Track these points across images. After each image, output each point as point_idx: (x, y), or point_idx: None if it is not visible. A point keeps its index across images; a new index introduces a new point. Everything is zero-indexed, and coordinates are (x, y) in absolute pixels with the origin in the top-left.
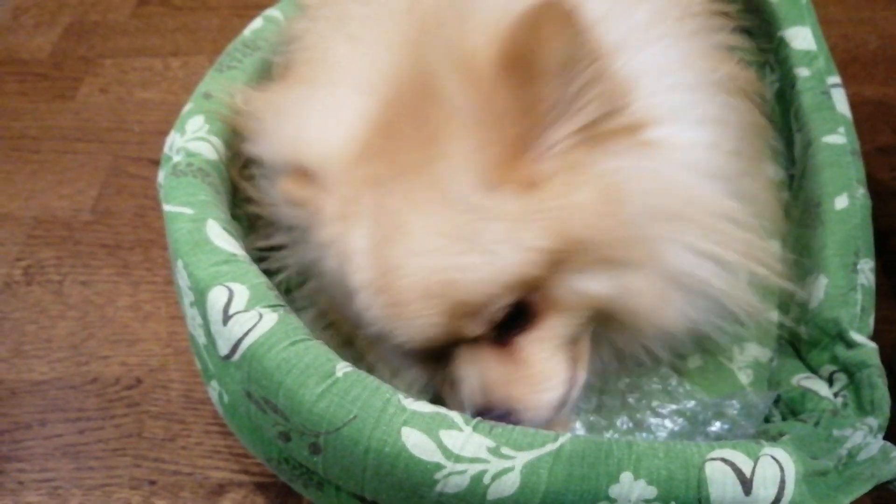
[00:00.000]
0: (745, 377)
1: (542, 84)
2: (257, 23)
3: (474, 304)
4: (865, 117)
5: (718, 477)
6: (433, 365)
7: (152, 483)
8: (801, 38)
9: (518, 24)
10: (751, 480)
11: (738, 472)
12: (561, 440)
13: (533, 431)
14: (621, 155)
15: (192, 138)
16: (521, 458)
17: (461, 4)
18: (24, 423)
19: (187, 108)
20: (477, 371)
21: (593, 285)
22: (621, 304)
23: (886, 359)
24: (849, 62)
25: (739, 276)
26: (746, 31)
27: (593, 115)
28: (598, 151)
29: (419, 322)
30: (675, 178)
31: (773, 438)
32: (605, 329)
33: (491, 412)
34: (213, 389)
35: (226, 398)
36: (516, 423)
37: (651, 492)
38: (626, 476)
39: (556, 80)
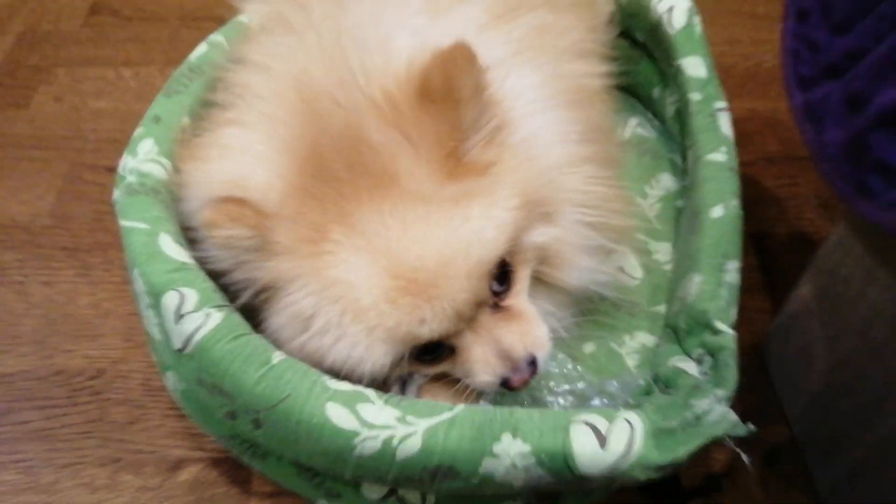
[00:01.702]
0: (631, 361)
1: (464, 108)
2: (202, 48)
3: (489, 261)
4: (757, 130)
5: (580, 434)
6: (426, 366)
7: (118, 461)
8: (695, 66)
9: (435, 63)
10: (606, 436)
11: (596, 431)
12: (455, 410)
13: (432, 403)
14: (523, 128)
15: (144, 160)
16: (423, 425)
17: (353, 65)
18: None
19: (138, 131)
20: (490, 345)
21: (538, 237)
22: (552, 253)
23: (757, 342)
24: (747, 79)
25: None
26: (652, 58)
27: (494, 123)
28: (508, 134)
29: (450, 308)
30: (554, 133)
31: (637, 406)
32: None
33: (518, 370)
34: (169, 379)
35: (181, 386)
36: (534, 369)
37: (526, 448)
38: (506, 436)
39: (472, 103)
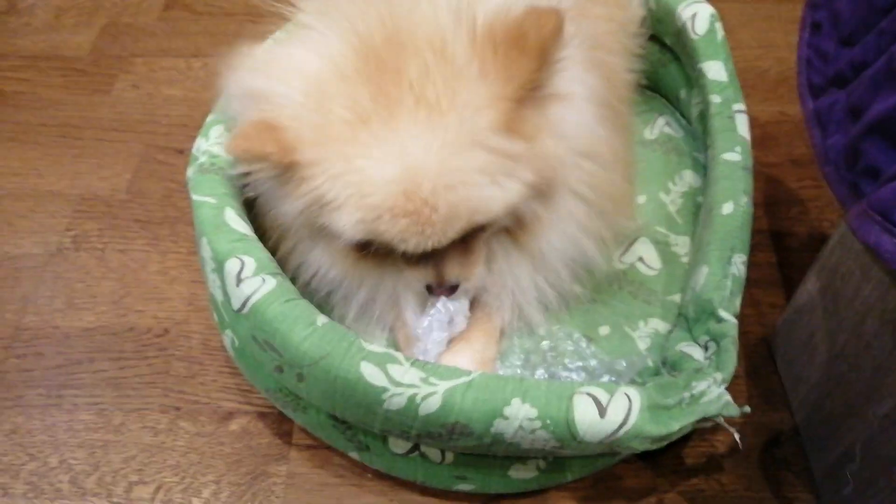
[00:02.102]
0: (642, 344)
1: (542, 66)
2: (268, 44)
3: (484, 223)
4: (786, 132)
5: (582, 403)
6: (399, 268)
7: (177, 409)
8: (716, 70)
9: (533, 17)
10: (606, 408)
11: (597, 402)
12: (473, 375)
13: (453, 368)
14: (563, 109)
15: (215, 143)
16: (443, 386)
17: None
18: (76, 360)
19: (210, 117)
20: (436, 262)
21: (525, 208)
22: (525, 222)
23: (767, 334)
24: (780, 83)
25: (599, 213)
26: (679, 61)
27: (552, 87)
28: (552, 109)
29: (436, 237)
30: (586, 123)
31: (643, 384)
32: (501, 246)
33: (441, 286)
34: (227, 336)
35: (237, 342)
36: (453, 290)
37: (533, 412)
38: (516, 401)
39: (549, 65)
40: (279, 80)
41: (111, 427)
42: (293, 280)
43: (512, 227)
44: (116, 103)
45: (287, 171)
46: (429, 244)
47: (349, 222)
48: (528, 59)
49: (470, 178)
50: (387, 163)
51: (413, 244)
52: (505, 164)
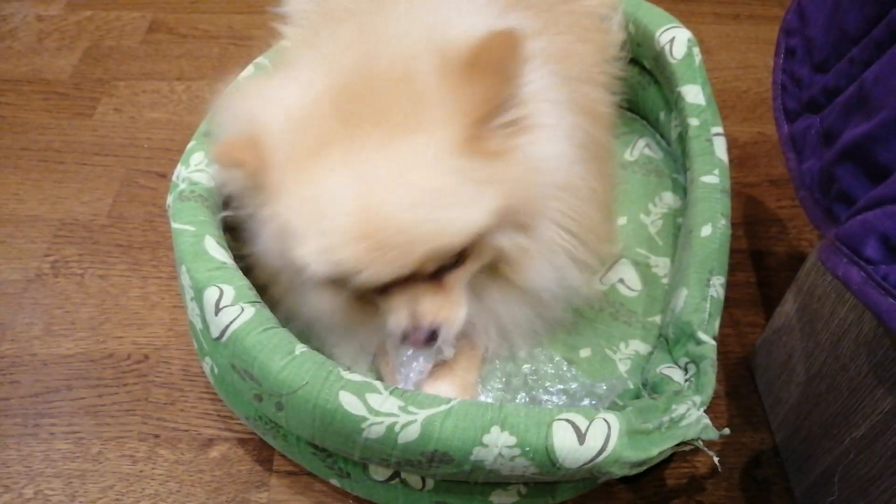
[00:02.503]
0: (623, 366)
1: (500, 83)
2: (249, 70)
3: (447, 249)
4: (764, 153)
5: (561, 430)
6: (365, 302)
7: (156, 437)
8: (694, 94)
9: (489, 39)
10: (585, 434)
11: (576, 428)
12: (452, 403)
13: (432, 396)
14: (537, 140)
15: (194, 170)
16: (422, 414)
17: (435, 24)
18: (54, 388)
19: (190, 144)
20: (409, 302)
21: (503, 241)
22: (512, 257)
23: (747, 354)
24: (758, 104)
25: (583, 243)
26: (658, 84)
27: (520, 112)
28: (523, 137)
29: (396, 263)
30: (563, 156)
31: (623, 407)
32: (491, 280)
33: (419, 331)
34: (207, 364)
35: (216, 370)
36: (433, 337)
37: (512, 440)
38: (495, 429)
39: (508, 83)
40: (263, 109)
41: (89, 456)
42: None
43: (498, 264)
44: (98, 127)
45: (258, 190)
46: (389, 272)
47: (310, 251)
48: (487, 76)
49: (429, 199)
50: (344, 184)
51: (373, 272)
52: (467, 186)
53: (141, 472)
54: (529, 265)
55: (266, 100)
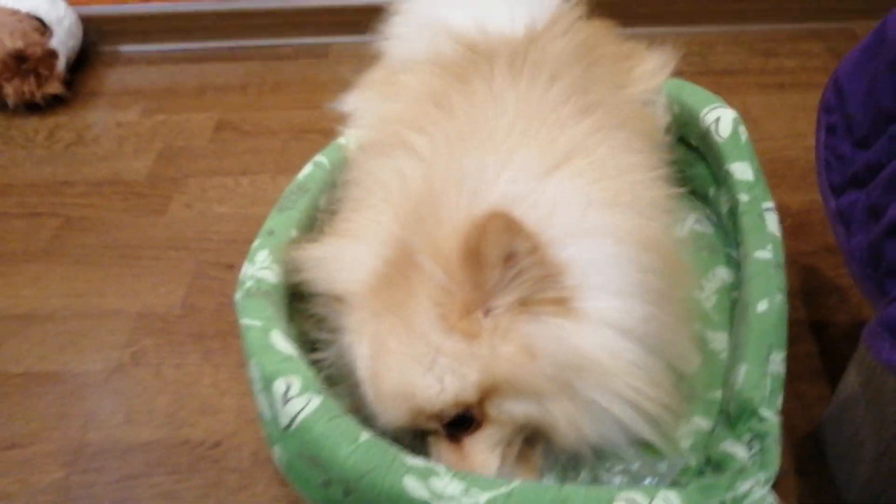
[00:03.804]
0: (685, 443)
1: (487, 270)
2: (308, 168)
3: (429, 411)
4: (818, 220)
5: None
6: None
7: None
8: (742, 170)
9: (471, 227)
10: None
11: None
12: (512, 485)
13: (493, 480)
14: (541, 322)
15: (260, 268)
16: (484, 496)
17: (438, 206)
18: (134, 474)
19: (256, 243)
20: (436, 452)
21: (517, 409)
22: (544, 422)
23: (814, 429)
24: (808, 171)
25: (643, 416)
26: (705, 159)
27: (527, 291)
28: (526, 317)
29: (392, 414)
30: (585, 340)
31: (685, 486)
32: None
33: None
34: (276, 451)
35: (284, 457)
36: None
37: None
38: None
39: (496, 268)
40: (340, 277)
41: None
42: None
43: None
44: (171, 223)
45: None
46: (393, 421)
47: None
48: (467, 263)
49: (405, 365)
50: (368, 346)
51: (383, 420)
52: (442, 359)
53: None
54: (567, 426)
55: (343, 267)
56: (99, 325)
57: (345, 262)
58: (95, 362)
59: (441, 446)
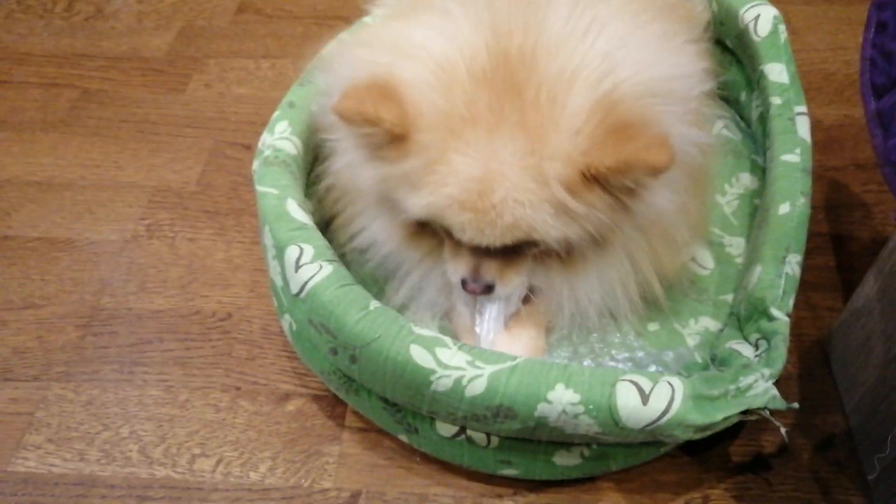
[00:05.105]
0: (692, 341)
1: (619, 172)
2: (331, 44)
3: (530, 240)
4: (851, 136)
5: (624, 390)
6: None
7: (238, 389)
8: (777, 72)
9: (646, 132)
10: (648, 395)
11: (640, 389)
12: (518, 360)
13: (499, 353)
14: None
15: (279, 138)
16: (489, 369)
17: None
18: (147, 340)
19: (276, 114)
20: (475, 260)
21: (576, 247)
22: (576, 260)
23: (822, 337)
24: (847, 86)
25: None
26: (741, 63)
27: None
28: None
29: (493, 238)
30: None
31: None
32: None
33: (476, 282)
34: (286, 320)
35: (294, 326)
36: (489, 290)
37: (576, 397)
38: (559, 386)
39: (625, 176)
40: (407, 56)
41: (177, 403)
42: (343, 255)
43: (563, 255)
44: (190, 101)
45: (391, 140)
46: (483, 241)
47: (419, 204)
48: (616, 162)
49: (538, 204)
50: (475, 162)
51: (469, 236)
52: (562, 215)
53: (223, 420)
54: (585, 268)
55: (409, 49)
56: (115, 197)
57: (416, 41)
58: (111, 232)
59: (489, 256)
